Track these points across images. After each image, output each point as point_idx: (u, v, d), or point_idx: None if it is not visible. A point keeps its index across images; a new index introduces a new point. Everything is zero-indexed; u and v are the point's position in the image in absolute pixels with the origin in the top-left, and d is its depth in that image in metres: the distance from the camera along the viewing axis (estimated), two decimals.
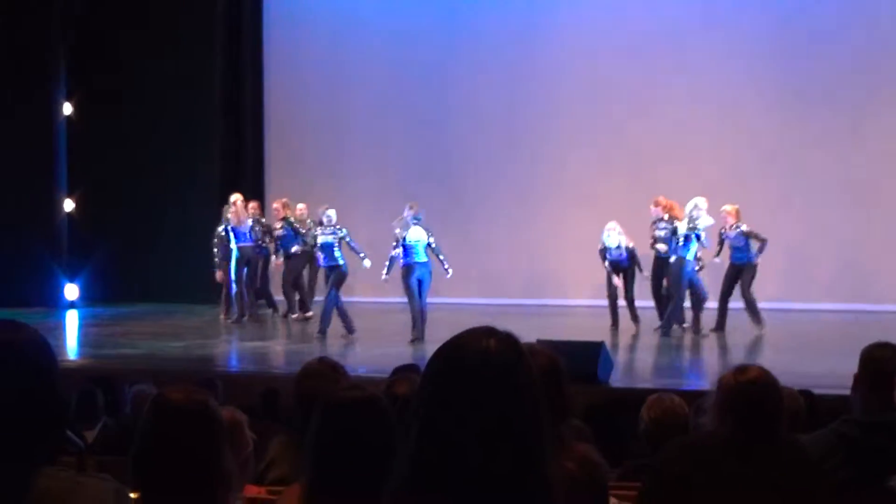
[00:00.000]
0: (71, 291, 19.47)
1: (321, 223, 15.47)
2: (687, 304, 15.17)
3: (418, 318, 14.67)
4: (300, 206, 17.16)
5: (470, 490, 2.19)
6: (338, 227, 15.24)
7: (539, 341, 8.88)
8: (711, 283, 15.62)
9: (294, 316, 16.96)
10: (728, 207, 15.14)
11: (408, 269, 14.71)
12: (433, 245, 14.88)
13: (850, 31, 18.15)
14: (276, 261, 17.32)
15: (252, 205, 17.19)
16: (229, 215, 16.80)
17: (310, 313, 16.73)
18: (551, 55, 19.30)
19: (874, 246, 17.83)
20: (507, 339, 2.31)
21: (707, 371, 12.75)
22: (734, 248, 15.18)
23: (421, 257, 14.77)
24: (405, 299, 14.89)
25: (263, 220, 17.50)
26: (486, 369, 2.24)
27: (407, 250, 14.73)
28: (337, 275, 15.19)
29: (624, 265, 15.49)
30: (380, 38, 20.03)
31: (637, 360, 13.96)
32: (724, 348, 14.51)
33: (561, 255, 18.52)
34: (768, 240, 15.01)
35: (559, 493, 2.27)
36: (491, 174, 19.51)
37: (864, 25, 18.19)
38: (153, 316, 17.73)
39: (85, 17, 19.58)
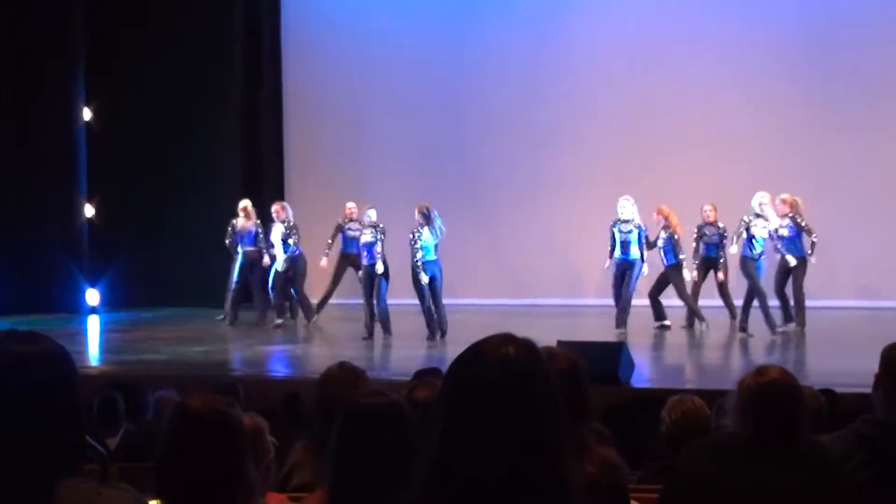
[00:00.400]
0: (92, 297, 19.51)
1: (362, 223, 15.64)
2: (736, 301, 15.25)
3: (431, 318, 14.90)
4: (350, 204, 16.96)
5: (490, 497, 2.20)
6: (379, 226, 15.31)
7: (559, 343, 8.92)
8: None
9: (278, 321, 16.73)
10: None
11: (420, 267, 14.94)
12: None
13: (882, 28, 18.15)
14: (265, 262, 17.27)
15: (275, 207, 17.19)
16: (235, 220, 17.02)
17: (280, 321, 16.65)
18: (568, 54, 19.31)
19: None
20: (526, 346, 2.32)
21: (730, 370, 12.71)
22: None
23: (430, 255, 14.95)
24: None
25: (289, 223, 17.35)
26: (506, 377, 2.25)
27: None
28: (382, 274, 15.24)
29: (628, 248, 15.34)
30: (398, 40, 20.06)
31: (662, 361, 13.95)
32: (746, 347, 14.47)
33: (586, 254, 18.43)
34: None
35: (579, 497, 2.28)
36: (510, 174, 19.54)
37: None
38: (174, 320, 17.77)
39: (104, 22, 19.62)
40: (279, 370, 13.43)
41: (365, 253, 15.36)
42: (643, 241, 15.32)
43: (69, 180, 19.34)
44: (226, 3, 20.10)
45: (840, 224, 17.64)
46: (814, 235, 14.76)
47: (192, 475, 3.23)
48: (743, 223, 14.88)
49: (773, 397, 4.05)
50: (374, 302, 15.23)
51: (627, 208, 15.32)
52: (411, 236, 14.91)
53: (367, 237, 15.33)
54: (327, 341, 15.72)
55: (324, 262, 16.80)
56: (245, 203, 17.19)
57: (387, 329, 15.25)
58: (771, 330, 14.63)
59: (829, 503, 3.95)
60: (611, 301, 15.63)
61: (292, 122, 20.95)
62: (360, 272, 15.72)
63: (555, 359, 3.91)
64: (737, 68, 18.55)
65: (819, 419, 5.60)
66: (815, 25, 18.41)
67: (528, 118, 19.53)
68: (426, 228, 14.90)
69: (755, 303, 14.82)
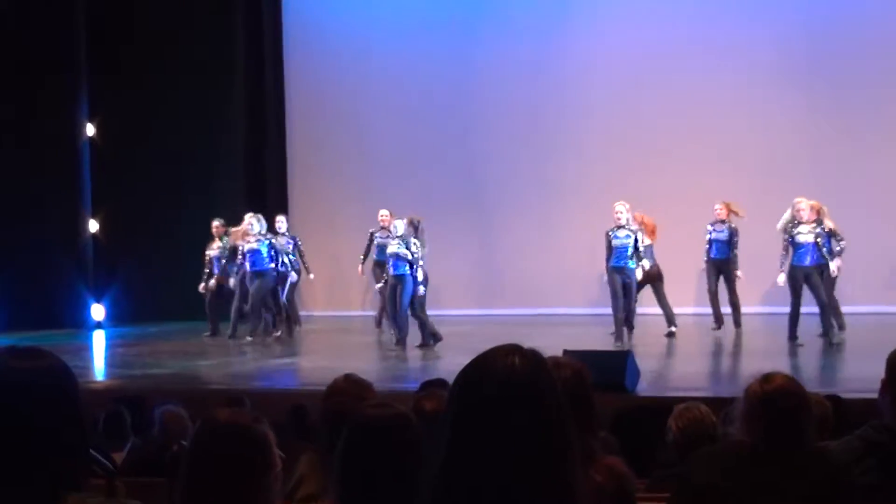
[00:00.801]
0: (97, 312, 19.54)
1: (389, 234, 15.77)
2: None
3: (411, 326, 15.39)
4: (383, 212, 16.98)
5: None
6: (404, 237, 15.38)
7: (566, 352, 8.92)
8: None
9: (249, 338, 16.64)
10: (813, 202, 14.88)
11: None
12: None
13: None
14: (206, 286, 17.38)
15: (279, 217, 17.28)
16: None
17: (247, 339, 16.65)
18: (567, 62, 19.35)
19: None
20: (532, 357, 2.31)
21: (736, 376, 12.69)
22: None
23: (398, 269, 15.26)
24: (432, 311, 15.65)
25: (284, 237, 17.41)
26: (512, 387, 2.24)
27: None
28: (405, 283, 15.26)
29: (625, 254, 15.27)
30: (398, 52, 20.12)
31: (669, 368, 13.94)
32: (752, 352, 14.45)
33: (587, 263, 18.42)
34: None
35: None
36: (510, 183, 19.58)
37: None
38: (179, 334, 17.77)
39: (105, 38, 19.66)
40: (285, 383, 13.42)
41: (390, 262, 15.44)
42: (638, 247, 15.12)
43: (73, 196, 19.38)
44: (228, 19, 20.15)
45: (845, 229, 17.62)
46: (842, 242, 14.76)
47: (215, 489, 3.21)
48: (786, 236, 14.55)
49: (780, 404, 4.06)
50: (394, 309, 15.42)
51: (623, 214, 15.25)
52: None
53: (393, 248, 15.39)
54: (332, 353, 15.69)
55: (360, 269, 17.36)
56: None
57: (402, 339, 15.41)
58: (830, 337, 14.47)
59: None
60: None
61: (295, 136, 20.98)
62: (383, 282, 15.85)
63: (560, 368, 3.91)
64: (736, 77, 18.55)
65: (825, 425, 5.59)
66: (811, 30, 18.43)
67: (528, 127, 19.56)
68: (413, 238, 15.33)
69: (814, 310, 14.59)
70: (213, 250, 17.46)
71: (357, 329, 17.86)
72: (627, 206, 15.20)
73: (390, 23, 20.32)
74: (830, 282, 14.72)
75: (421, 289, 15.36)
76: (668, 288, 15.98)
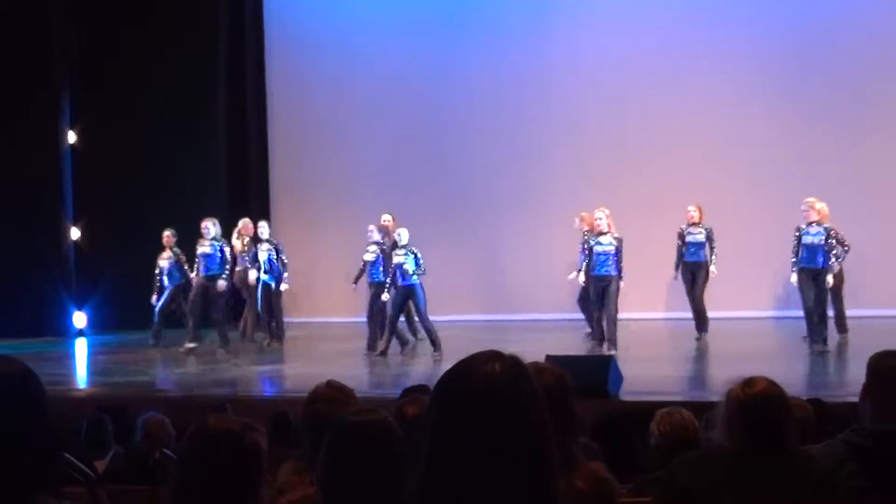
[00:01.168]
0: (79, 319, 19.49)
1: (395, 243, 15.62)
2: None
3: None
4: (385, 217, 16.74)
5: None
6: (408, 247, 15.32)
7: (548, 357, 8.92)
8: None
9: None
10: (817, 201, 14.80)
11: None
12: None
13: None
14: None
15: (261, 223, 17.20)
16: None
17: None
18: (551, 68, 19.38)
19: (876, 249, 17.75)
20: (512, 363, 2.31)
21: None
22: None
23: (407, 280, 15.28)
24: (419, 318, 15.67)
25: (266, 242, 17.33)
26: (492, 395, 2.24)
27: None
28: (416, 293, 15.24)
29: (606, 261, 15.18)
30: (381, 57, 20.14)
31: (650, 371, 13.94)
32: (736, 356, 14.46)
33: (571, 269, 18.43)
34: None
35: None
36: (494, 188, 19.58)
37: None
38: (162, 342, 17.71)
39: (87, 46, 19.62)
40: (267, 390, 13.41)
41: (398, 273, 15.37)
42: (619, 254, 14.96)
43: (55, 203, 19.32)
44: (210, 25, 20.12)
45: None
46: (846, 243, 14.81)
47: (205, 497, 3.20)
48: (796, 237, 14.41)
49: (761, 408, 4.06)
50: (417, 319, 15.62)
51: (604, 220, 15.15)
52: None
53: (398, 258, 15.33)
54: (314, 360, 15.67)
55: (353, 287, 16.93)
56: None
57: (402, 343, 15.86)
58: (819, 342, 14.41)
59: None
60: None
61: (278, 142, 20.97)
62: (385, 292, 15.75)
63: (541, 374, 3.91)
64: (724, 82, 18.60)
65: (807, 429, 5.60)
66: (794, 33, 18.48)
67: (512, 132, 19.57)
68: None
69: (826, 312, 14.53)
70: (164, 260, 17.21)
71: (338, 336, 17.82)
72: (608, 212, 15.14)
73: (373, 27, 20.33)
74: (829, 287, 14.64)
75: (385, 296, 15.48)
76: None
